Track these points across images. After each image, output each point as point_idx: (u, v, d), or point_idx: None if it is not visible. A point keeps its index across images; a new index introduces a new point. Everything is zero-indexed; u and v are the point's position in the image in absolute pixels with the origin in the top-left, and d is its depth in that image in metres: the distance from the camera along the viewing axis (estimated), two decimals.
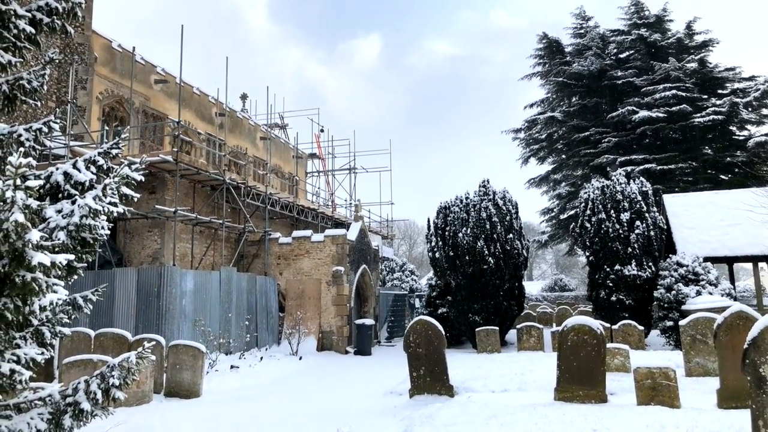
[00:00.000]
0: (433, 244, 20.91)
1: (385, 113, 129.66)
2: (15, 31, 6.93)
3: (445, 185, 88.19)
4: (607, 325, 16.70)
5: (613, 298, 19.10)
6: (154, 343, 9.06)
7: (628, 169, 31.61)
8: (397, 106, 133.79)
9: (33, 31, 7.17)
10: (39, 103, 7.99)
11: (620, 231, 19.29)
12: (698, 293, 17.08)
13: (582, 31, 42.34)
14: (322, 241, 21.00)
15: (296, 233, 21.78)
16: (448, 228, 20.46)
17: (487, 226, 19.73)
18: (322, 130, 35.22)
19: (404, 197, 63.32)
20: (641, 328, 17.05)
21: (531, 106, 43.79)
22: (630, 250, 19.12)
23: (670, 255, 19.28)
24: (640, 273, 18.95)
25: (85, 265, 6.31)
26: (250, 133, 31.53)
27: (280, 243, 21.44)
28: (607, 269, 19.34)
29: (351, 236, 21.62)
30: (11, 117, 8.77)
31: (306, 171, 37.65)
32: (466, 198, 20.82)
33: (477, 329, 18.20)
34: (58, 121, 7.47)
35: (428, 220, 21.58)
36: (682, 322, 11.95)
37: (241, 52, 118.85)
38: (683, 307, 16.52)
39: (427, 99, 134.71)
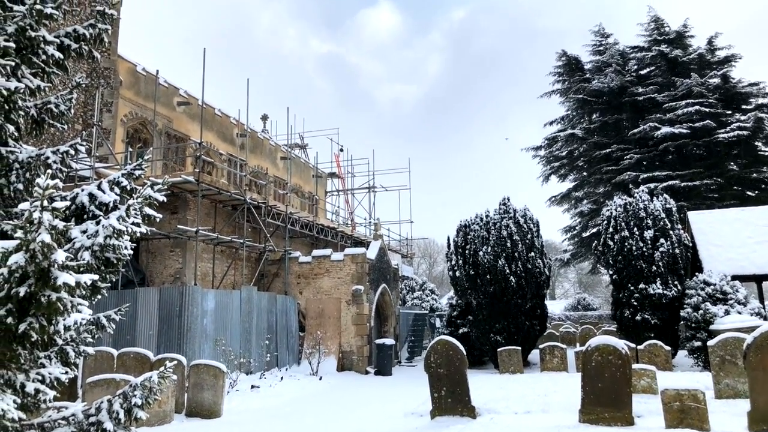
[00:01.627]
0: (453, 262, 20.77)
1: (401, 107, 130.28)
2: (44, 57, 7.14)
3: (464, 203, 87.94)
4: (633, 345, 16.31)
5: (638, 318, 18.72)
6: (175, 362, 9.09)
7: (651, 186, 31.16)
8: (414, 98, 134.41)
9: (61, 56, 7.38)
10: (66, 126, 8.19)
11: (644, 249, 18.98)
12: (727, 312, 16.66)
13: (601, 48, 42.20)
14: (341, 260, 21.01)
15: (316, 252, 21.84)
16: (468, 246, 20.33)
17: (508, 245, 19.56)
18: (341, 150, 35.47)
19: (424, 215, 63.20)
20: (668, 348, 16.65)
21: (551, 123, 43.61)
22: (654, 268, 18.78)
23: (697, 273, 18.88)
24: (665, 292, 18.58)
25: (109, 284, 6.39)
26: (271, 154, 31.88)
27: (300, 262, 21.50)
28: (631, 288, 18.99)
29: (370, 255, 21.60)
30: (39, 140, 9.00)
31: (326, 190, 37.88)
32: (486, 216, 20.70)
33: (499, 349, 17.95)
34: (84, 143, 7.64)
35: (448, 239, 21.47)
36: (710, 343, 11.64)
37: (254, 38, 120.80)
38: (711, 327, 16.13)
39: (443, 104, 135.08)
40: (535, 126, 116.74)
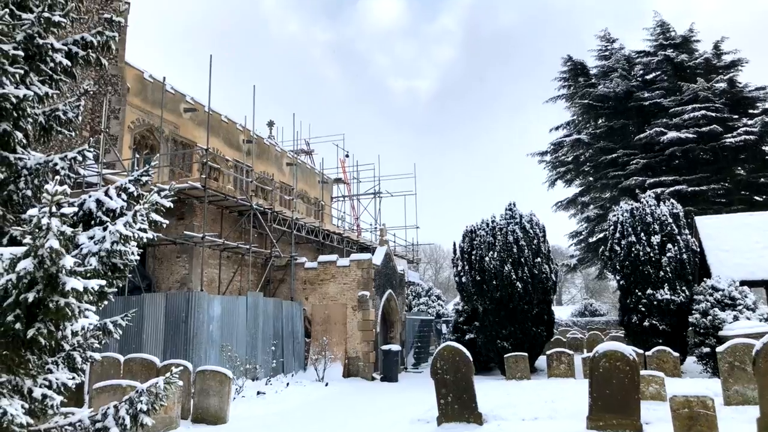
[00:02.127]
0: (459, 268, 20.72)
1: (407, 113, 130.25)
2: (52, 64, 7.20)
3: (470, 208, 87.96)
4: (641, 351, 16.23)
5: (646, 324, 18.60)
6: (181, 368, 9.11)
7: (658, 191, 31.04)
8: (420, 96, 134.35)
9: (69, 64, 7.44)
10: (74, 133, 8.24)
11: (651, 254, 18.88)
12: (735, 318, 16.55)
13: (607, 53, 42.15)
14: (347, 266, 21.01)
15: (322, 258, 21.84)
16: (474, 252, 20.29)
17: (514, 250, 19.51)
18: (347, 155, 35.55)
19: (429, 221, 63.25)
20: (676, 354, 16.54)
21: (557, 128, 43.54)
22: (662, 273, 18.68)
23: (705, 279, 18.77)
24: (673, 297, 18.46)
25: (116, 290, 6.41)
26: (277, 160, 31.98)
27: (306, 268, 21.51)
28: (639, 293, 18.89)
29: (376, 261, 21.58)
30: (47, 147, 9.05)
31: (331, 196, 37.91)
32: (492, 221, 20.65)
33: (506, 355, 17.88)
34: (92, 150, 7.68)
35: (454, 244, 21.43)
36: (719, 349, 11.56)
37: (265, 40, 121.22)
38: (720, 333, 16.02)
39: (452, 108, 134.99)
40: (541, 129, 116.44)
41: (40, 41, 6.98)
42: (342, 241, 26.31)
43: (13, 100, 6.29)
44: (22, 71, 6.61)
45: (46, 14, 6.96)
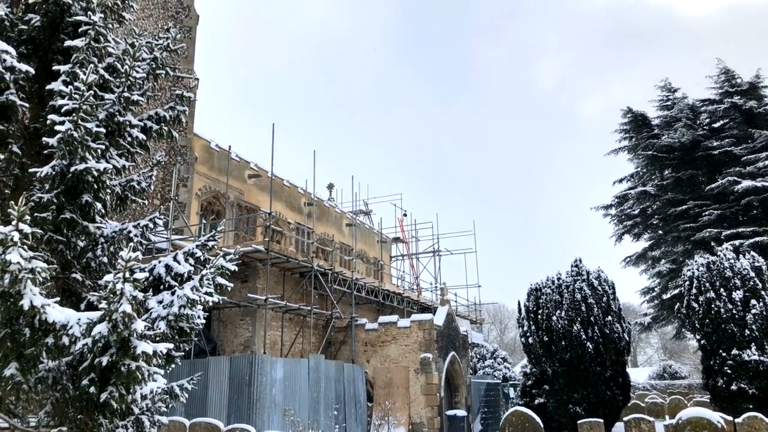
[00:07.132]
0: (525, 328, 19.99)
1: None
2: (129, 139, 7.72)
3: (534, 265, 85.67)
4: (730, 418, 14.89)
5: (734, 387, 17.14)
6: None
7: (736, 243, 29.27)
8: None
9: (144, 137, 7.96)
10: (146, 201, 8.71)
11: (734, 311, 17.62)
12: None
13: (669, 103, 41.21)
14: (408, 327, 20.68)
15: (382, 319, 21.64)
16: (540, 311, 19.58)
17: (583, 308, 18.70)
18: (405, 215, 35.77)
19: (492, 279, 61.92)
20: None
21: (620, 181, 42.36)
22: (747, 332, 17.33)
23: None
24: (762, 358, 17.02)
25: (182, 353, 6.52)
26: (336, 221, 32.53)
27: (367, 329, 21.32)
28: (723, 354, 17.53)
29: (438, 321, 21.16)
30: (122, 215, 9.58)
31: (390, 255, 37.96)
32: (558, 279, 19.97)
33: (579, 422, 16.81)
34: (162, 217, 8.07)
35: (519, 303, 20.79)
36: None
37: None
38: None
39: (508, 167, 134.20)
40: (604, 182, 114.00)
41: (120, 119, 7.53)
42: (402, 301, 26.07)
43: (95, 173, 6.73)
44: (103, 146, 7.11)
45: (126, 94, 7.53)
